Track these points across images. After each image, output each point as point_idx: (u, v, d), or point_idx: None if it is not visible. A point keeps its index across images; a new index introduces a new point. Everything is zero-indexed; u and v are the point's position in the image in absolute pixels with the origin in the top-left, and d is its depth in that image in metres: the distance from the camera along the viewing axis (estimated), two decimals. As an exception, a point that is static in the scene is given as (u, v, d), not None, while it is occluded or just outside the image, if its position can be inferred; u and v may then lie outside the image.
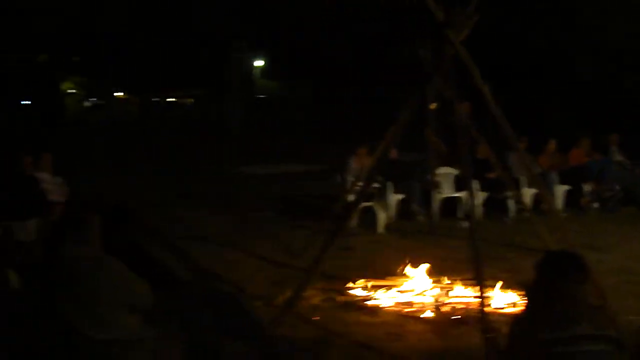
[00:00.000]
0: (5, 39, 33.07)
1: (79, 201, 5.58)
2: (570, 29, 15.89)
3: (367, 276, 7.95)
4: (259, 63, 44.97)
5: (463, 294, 7.32)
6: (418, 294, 7.39)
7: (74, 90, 54.95)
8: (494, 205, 11.98)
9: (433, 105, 8.66)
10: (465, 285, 7.46)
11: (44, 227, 8.00)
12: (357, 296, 7.51)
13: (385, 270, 8.08)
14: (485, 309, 5.98)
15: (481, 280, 5.97)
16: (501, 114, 6.86)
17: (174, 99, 58.16)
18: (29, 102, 43.54)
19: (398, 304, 7.25)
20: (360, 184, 9.75)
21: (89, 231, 4.40)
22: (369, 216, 11.23)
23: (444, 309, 7.00)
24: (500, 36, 16.21)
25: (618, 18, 15.13)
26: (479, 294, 6.07)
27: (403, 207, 12.03)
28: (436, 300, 7.18)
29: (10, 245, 7.98)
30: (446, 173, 11.70)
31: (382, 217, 11.21)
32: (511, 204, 11.89)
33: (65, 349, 4.21)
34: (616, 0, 15.49)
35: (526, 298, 3.86)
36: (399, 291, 7.49)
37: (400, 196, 11.93)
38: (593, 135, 13.92)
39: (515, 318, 3.96)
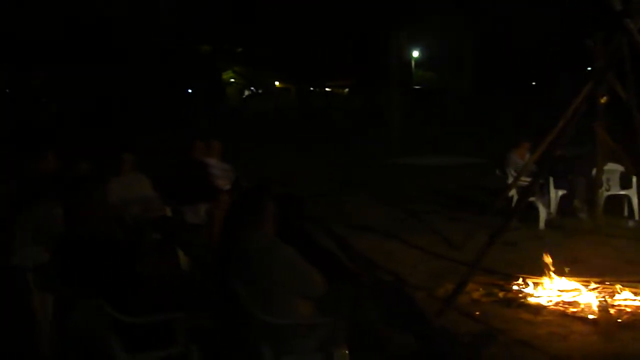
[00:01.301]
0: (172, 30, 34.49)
1: (253, 188, 5.77)
2: None
3: (529, 273, 7.80)
4: (415, 54, 44.89)
5: (630, 297, 7.05)
6: (582, 294, 7.18)
7: (234, 80, 56.67)
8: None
9: (603, 99, 8.38)
10: (633, 287, 7.18)
11: (211, 212, 8.31)
12: (518, 293, 7.38)
13: (547, 267, 7.89)
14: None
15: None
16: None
17: (329, 89, 58.84)
18: (191, 91, 45.17)
19: (561, 303, 7.07)
20: (523, 179, 9.59)
21: (264, 216, 4.55)
22: (531, 212, 10.99)
23: (611, 311, 6.76)
24: None
25: None
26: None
27: (565, 204, 11.67)
28: (601, 302, 6.94)
29: (180, 227, 8.32)
30: (613, 169, 11.25)
31: (543, 213, 10.94)
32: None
33: (239, 331, 4.38)
34: None
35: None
36: (561, 290, 7.31)
37: (562, 192, 11.58)
38: None
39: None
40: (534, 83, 45.56)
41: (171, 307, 4.56)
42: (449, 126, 30.03)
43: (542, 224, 10.87)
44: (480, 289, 7.47)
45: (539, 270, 7.71)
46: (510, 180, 10.78)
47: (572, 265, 7.72)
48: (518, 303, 7.11)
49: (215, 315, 4.83)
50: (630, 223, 10.87)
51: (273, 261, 4.37)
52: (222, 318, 4.72)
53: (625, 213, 11.25)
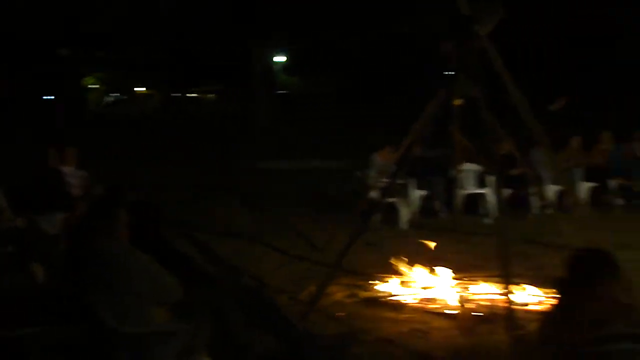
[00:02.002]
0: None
1: (105, 195, 5.61)
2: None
3: (390, 272, 7.93)
4: (280, 59, 44.97)
5: (487, 291, 7.29)
6: (442, 290, 7.36)
7: (95, 85, 55.14)
8: (517, 202, 11.92)
9: (458, 102, 8.64)
10: (490, 282, 7.43)
11: (68, 220, 8.02)
12: (380, 292, 7.50)
13: (408, 266, 8.06)
14: (512, 305, 5.96)
15: (508, 277, 5.95)
16: (529, 110, 6.80)
17: (194, 95, 58.23)
18: (52, 97, 43.65)
19: (422, 300, 7.23)
20: (384, 180, 9.75)
21: (117, 224, 4.42)
22: (393, 213, 11.21)
23: (469, 305, 6.96)
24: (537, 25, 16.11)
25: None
26: (504, 291, 6.05)
27: (426, 204, 12.00)
28: (460, 297, 7.15)
29: (36, 238, 8.00)
30: (469, 169, 11.65)
31: (404, 214, 11.20)
32: (534, 201, 11.84)
33: (94, 342, 4.24)
34: None
35: (557, 296, 3.80)
36: (422, 287, 7.47)
37: (423, 192, 11.90)
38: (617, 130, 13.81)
39: (545, 316, 3.92)
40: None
41: (25, 322, 4.37)
42: (315, 130, 30.30)
43: (403, 225, 11.11)
44: (344, 290, 7.53)
45: (400, 269, 7.87)
46: (373, 182, 10.97)
47: (432, 263, 7.89)
48: (380, 302, 7.22)
49: (71, 328, 4.65)
50: (486, 220, 11.26)
51: (126, 269, 4.25)
52: (79, 330, 4.54)
53: (482, 211, 11.65)
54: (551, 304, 4.23)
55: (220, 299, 4.79)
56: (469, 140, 9.81)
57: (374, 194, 10.56)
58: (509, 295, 5.96)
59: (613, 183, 12.73)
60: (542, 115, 14.58)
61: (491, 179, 11.53)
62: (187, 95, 57.09)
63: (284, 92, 47.56)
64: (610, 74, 20.51)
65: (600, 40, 17.48)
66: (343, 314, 6.93)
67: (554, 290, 3.89)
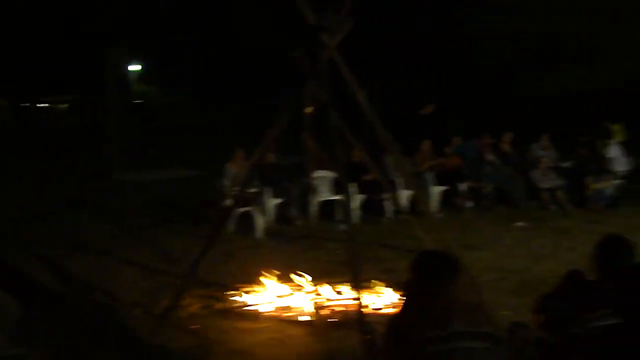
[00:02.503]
0: None
1: None
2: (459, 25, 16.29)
3: (246, 282, 7.89)
4: (135, 67, 44.13)
5: (341, 297, 7.36)
6: (297, 298, 7.38)
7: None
8: (372, 207, 12.15)
9: (309, 109, 8.68)
10: (344, 287, 7.50)
11: None
12: (235, 302, 7.44)
13: (264, 274, 8.04)
14: (363, 310, 6.03)
15: (358, 282, 6.02)
16: (376, 118, 6.91)
17: (46, 104, 56.25)
18: None
19: (277, 308, 7.23)
20: (238, 188, 9.69)
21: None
22: (248, 221, 11.18)
23: (324, 312, 7.01)
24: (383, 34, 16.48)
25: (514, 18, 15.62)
26: (356, 295, 6.12)
27: (282, 211, 12.04)
28: (315, 304, 7.18)
29: None
30: (323, 176, 11.77)
31: (260, 222, 11.19)
32: (388, 206, 12.10)
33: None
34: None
35: (403, 298, 3.88)
36: (277, 296, 7.47)
37: (278, 200, 11.94)
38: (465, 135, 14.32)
39: (391, 318, 3.99)
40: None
41: None
42: (172, 139, 29.86)
43: (259, 233, 11.10)
44: (198, 302, 7.42)
45: (256, 278, 7.84)
46: (226, 190, 10.90)
47: (288, 271, 7.91)
48: (235, 313, 7.17)
49: None
50: (342, 226, 11.38)
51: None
52: None
53: (338, 217, 11.79)
54: (399, 306, 4.30)
55: (64, 319, 4.61)
56: (322, 147, 9.89)
57: (227, 203, 10.49)
58: (360, 300, 6.04)
59: (463, 186, 13.17)
60: (414, 120, 15.09)
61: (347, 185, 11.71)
62: (38, 105, 55.06)
63: (140, 101, 46.65)
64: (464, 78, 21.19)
65: (454, 46, 18.06)
66: (197, 326, 6.84)
67: (402, 291, 3.96)
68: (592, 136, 14.86)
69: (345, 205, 11.42)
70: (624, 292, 3.17)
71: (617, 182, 13.85)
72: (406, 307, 3.79)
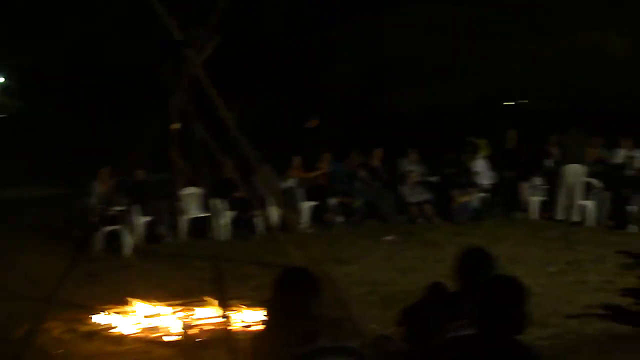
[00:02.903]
0: None
1: None
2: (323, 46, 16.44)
3: (113, 303, 7.68)
4: (-1, 79, 42.58)
5: (210, 315, 7.26)
6: (164, 318, 7.24)
7: None
8: (242, 224, 12.10)
9: (175, 125, 8.56)
10: (212, 306, 7.41)
11: None
12: (101, 325, 7.22)
13: (131, 295, 7.84)
14: (231, 329, 5.97)
15: (225, 301, 5.95)
16: (241, 135, 6.86)
17: None
18: None
19: (144, 329, 7.07)
20: (104, 207, 9.47)
21: None
22: (116, 240, 10.92)
23: (192, 331, 6.89)
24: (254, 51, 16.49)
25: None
26: (224, 314, 6.05)
27: (151, 230, 11.81)
28: (183, 324, 7.06)
29: None
30: (192, 193, 11.65)
31: (128, 241, 10.95)
32: (259, 222, 12.07)
33: None
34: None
35: (266, 315, 3.85)
36: (145, 316, 7.30)
37: (147, 218, 11.71)
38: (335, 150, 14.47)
39: (254, 336, 3.95)
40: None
41: None
42: (36, 156, 28.85)
43: (127, 252, 10.85)
44: (62, 326, 7.17)
45: (123, 299, 7.65)
46: (92, 209, 10.61)
47: (156, 290, 7.77)
48: (101, 335, 6.96)
49: None
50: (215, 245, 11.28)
51: None
52: None
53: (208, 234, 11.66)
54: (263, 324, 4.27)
55: None
56: (189, 164, 9.78)
57: (93, 221, 10.22)
58: (228, 319, 5.97)
59: (333, 201, 13.30)
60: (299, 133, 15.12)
61: (215, 202, 11.63)
62: None
63: (3, 115, 44.97)
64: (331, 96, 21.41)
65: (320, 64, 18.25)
66: (61, 350, 6.60)
67: (264, 309, 3.93)
68: (458, 151, 15.34)
69: (217, 222, 11.45)
70: (482, 303, 3.24)
71: (482, 195, 14.34)
72: (269, 326, 3.76)
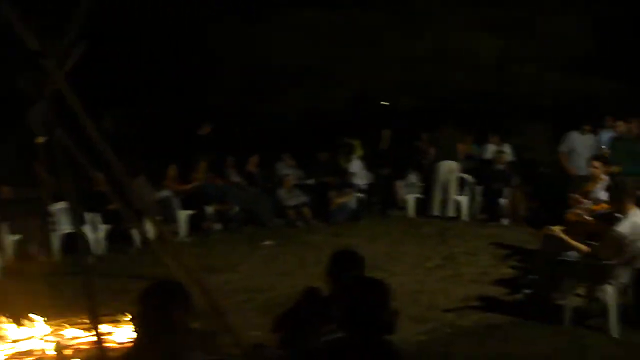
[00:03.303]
0: None
1: None
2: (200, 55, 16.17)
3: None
4: None
5: (85, 334, 7.02)
6: (37, 341, 6.95)
7: None
8: (118, 237, 11.80)
9: (40, 139, 8.26)
10: (86, 324, 7.16)
11: None
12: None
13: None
14: (105, 346, 5.78)
15: (97, 318, 5.76)
16: (107, 147, 6.61)
17: None
18: None
19: (16, 354, 6.76)
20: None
21: None
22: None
23: (66, 352, 6.64)
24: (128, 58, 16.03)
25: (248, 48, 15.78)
26: (98, 331, 5.85)
27: (21, 248, 11.33)
28: (57, 344, 6.79)
29: None
30: (63, 208, 11.27)
31: (-4, 261, 10.49)
32: (135, 235, 11.79)
33: None
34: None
35: (134, 331, 3.74)
36: (14, 340, 6.99)
37: (16, 237, 11.23)
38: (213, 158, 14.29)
39: (124, 355, 3.83)
40: None
41: None
42: None
43: (-5, 273, 10.40)
44: None
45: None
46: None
47: (29, 312, 7.45)
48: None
49: None
50: (90, 259, 10.97)
51: None
52: None
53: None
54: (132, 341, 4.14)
55: None
56: (57, 177, 9.44)
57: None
58: (102, 336, 5.78)
59: (210, 209, 13.15)
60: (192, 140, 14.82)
61: (89, 216, 11.31)
62: None
63: None
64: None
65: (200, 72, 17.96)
66: None
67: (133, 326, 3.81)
68: (333, 152, 15.49)
69: (92, 236, 11.14)
70: (346, 306, 3.24)
71: (358, 195, 14.51)
72: (138, 343, 3.65)
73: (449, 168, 14.03)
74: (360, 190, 14.83)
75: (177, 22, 16.03)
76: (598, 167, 9.78)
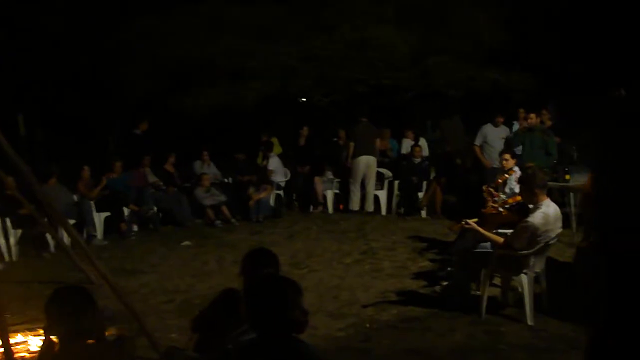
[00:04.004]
0: None
1: None
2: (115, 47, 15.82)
3: None
4: None
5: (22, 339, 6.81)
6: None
7: None
8: (32, 242, 11.47)
9: None
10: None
11: None
12: None
13: None
14: (16, 357, 5.61)
15: (5, 328, 5.56)
16: (14, 152, 6.37)
17: None
18: None
19: None
20: None
21: None
22: None
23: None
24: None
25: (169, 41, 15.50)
26: (6, 343, 5.66)
27: None
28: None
29: None
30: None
31: None
32: (50, 239, 11.49)
33: None
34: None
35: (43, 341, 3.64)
36: None
37: None
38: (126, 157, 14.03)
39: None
40: None
41: None
42: None
43: None
44: None
45: None
46: None
47: None
48: None
49: None
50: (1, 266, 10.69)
51: None
52: None
53: None
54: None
55: None
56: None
57: None
58: (10, 347, 5.59)
59: (127, 210, 12.92)
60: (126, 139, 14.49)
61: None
62: None
63: None
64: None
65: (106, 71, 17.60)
66: None
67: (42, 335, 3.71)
68: (251, 150, 15.43)
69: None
70: (254, 306, 3.21)
71: (277, 192, 14.49)
72: (45, 351, 3.55)
73: (366, 163, 14.08)
74: (279, 188, 14.81)
75: (85, 19, 15.71)
76: (509, 160, 9.97)
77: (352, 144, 14.26)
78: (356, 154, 14.14)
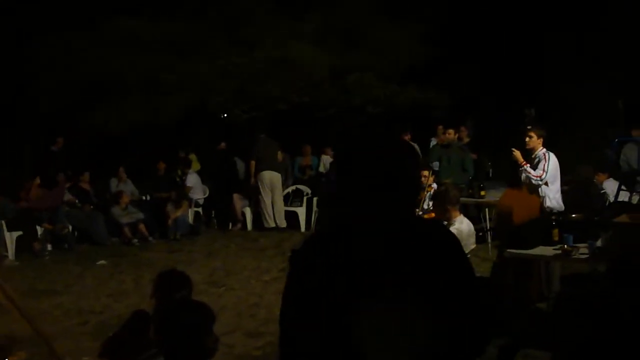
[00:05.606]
0: None
1: None
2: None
3: None
4: None
5: None
6: None
7: None
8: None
9: None
10: None
11: None
12: None
13: None
14: None
15: None
16: None
17: None
18: None
19: None
20: None
21: None
22: None
23: None
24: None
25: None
26: None
27: None
28: None
29: None
30: None
31: None
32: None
33: None
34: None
35: None
36: None
37: None
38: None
39: None
40: None
41: None
42: None
43: None
44: None
45: None
46: None
47: None
48: None
49: None
50: None
51: None
52: None
53: None
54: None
55: None
56: None
57: None
58: None
59: (40, 229, 12.60)
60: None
61: None
62: None
63: None
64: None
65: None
66: None
67: None
68: (169, 167, 15.23)
69: None
70: (165, 330, 3.16)
71: (196, 209, 14.36)
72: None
73: (269, 178, 13.94)
74: (197, 205, 14.67)
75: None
76: (427, 176, 10.10)
77: (252, 162, 14.12)
78: (258, 171, 14.00)
